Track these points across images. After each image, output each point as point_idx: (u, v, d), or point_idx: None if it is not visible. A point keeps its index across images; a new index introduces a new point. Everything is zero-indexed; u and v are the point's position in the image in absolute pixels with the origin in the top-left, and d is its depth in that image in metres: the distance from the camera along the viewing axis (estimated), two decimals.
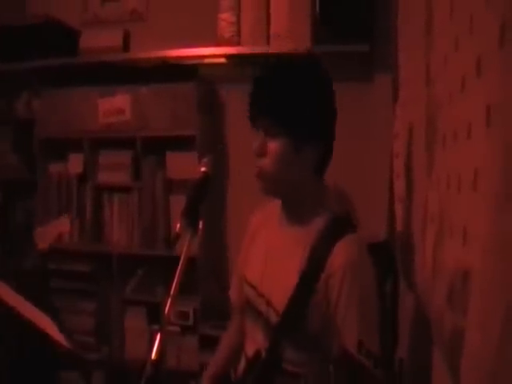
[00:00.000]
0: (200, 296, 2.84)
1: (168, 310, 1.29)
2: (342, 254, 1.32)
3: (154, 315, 3.00)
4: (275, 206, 1.52)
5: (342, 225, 1.40)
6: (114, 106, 2.99)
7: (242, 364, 1.50)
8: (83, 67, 3.10)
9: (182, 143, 2.88)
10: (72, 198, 3.13)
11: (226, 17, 2.83)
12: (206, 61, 2.97)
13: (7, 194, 3.32)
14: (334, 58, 2.60)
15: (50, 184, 3.19)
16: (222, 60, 2.94)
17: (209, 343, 2.80)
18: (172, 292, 1.29)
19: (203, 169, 1.41)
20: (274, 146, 1.37)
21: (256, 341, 1.45)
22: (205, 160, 1.43)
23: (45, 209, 3.17)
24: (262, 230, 1.57)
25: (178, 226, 1.33)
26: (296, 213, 1.44)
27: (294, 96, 1.35)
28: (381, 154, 2.52)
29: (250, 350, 1.46)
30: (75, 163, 3.15)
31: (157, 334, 1.27)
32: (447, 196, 1.01)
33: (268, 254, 1.48)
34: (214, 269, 2.94)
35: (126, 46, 3.11)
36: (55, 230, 2.28)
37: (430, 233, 1.17)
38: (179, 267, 1.31)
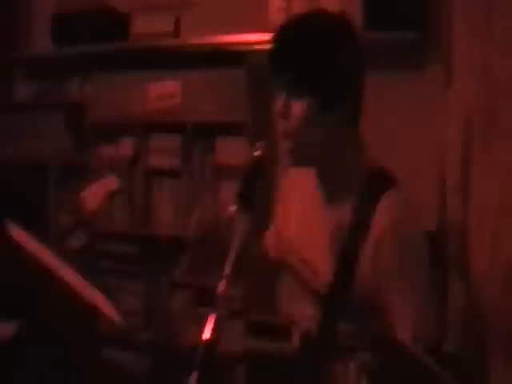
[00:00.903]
0: (247, 280, 2.86)
1: (221, 292, 1.30)
2: (386, 212, 1.27)
3: (201, 298, 3.04)
4: (306, 171, 1.45)
5: (382, 181, 1.33)
6: (165, 91, 3.02)
7: (296, 340, 1.49)
8: (134, 52, 3.14)
9: (231, 129, 2.90)
10: (122, 180, 3.17)
11: (276, 2, 2.82)
12: (256, 46, 2.97)
13: (59, 176, 3.39)
14: (384, 46, 2.60)
15: (102, 167, 3.25)
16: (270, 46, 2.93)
17: (255, 328, 2.83)
18: (225, 274, 1.30)
19: (257, 153, 1.37)
20: (297, 106, 1.30)
21: (304, 311, 1.44)
22: (259, 143, 1.41)
23: None
24: (295, 193, 1.52)
25: (232, 209, 1.33)
26: (332, 177, 1.39)
27: (319, 50, 1.27)
28: (433, 142, 2.49)
29: (303, 322, 1.45)
30: (126, 147, 3.20)
31: (210, 315, 1.28)
32: (508, 186, 1.00)
33: (305, 220, 1.45)
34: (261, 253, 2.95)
35: (176, 32, 3.14)
36: (103, 189, 2.22)
37: (489, 222, 1.15)
38: (232, 250, 1.32)
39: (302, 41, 1.28)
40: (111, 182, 2.25)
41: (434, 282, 1.31)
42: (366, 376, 1.15)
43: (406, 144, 2.67)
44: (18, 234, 1.86)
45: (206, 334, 1.25)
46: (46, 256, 1.88)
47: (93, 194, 2.22)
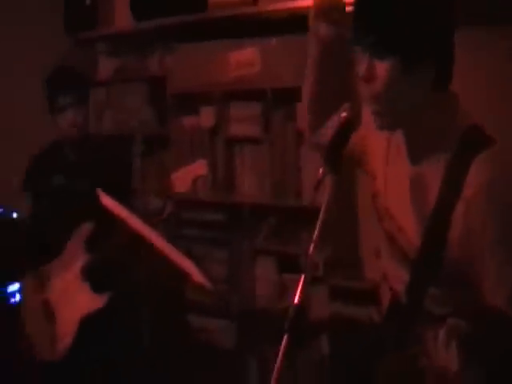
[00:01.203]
0: (330, 246, 2.85)
1: (311, 255, 1.30)
2: (480, 172, 1.22)
3: (285, 265, 3.06)
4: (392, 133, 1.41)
5: (477, 140, 1.28)
6: (244, 59, 3.02)
7: (385, 304, 1.48)
8: (213, 22, 3.14)
9: None
10: (204, 150, 3.22)
11: None
12: None
13: (143, 147, 3.48)
14: None
15: (183, 137, 3.30)
16: (351, 8, 2.86)
17: (339, 294, 2.82)
18: (315, 237, 1.30)
19: (344, 114, 1.36)
20: (382, 68, 1.25)
21: (397, 273, 1.42)
22: (346, 105, 1.38)
23: (178, 161, 3.29)
24: (379, 156, 1.48)
25: (321, 171, 1.32)
26: (421, 137, 1.34)
27: (400, 10, 1.22)
28: None
29: (393, 283, 1.44)
30: (207, 116, 3.22)
31: (296, 281, 1.28)
32: None
33: (395, 184, 1.41)
34: (344, 219, 2.92)
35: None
36: (192, 173, 2.30)
37: None
38: (322, 213, 1.30)
39: (381, 2, 1.25)
40: (200, 167, 2.32)
41: None
42: (456, 342, 1.11)
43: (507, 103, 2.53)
44: (109, 202, 1.92)
45: (296, 298, 1.25)
46: (137, 224, 1.95)
47: (182, 178, 2.29)
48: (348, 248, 2.82)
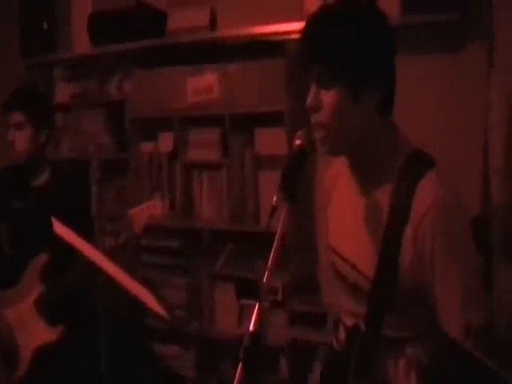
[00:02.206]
0: (289, 271, 2.85)
1: (265, 282, 1.29)
2: (426, 195, 1.24)
3: (243, 290, 3.05)
4: (343, 162, 1.43)
5: (420, 163, 1.30)
6: (203, 84, 3.03)
7: (342, 334, 1.48)
8: (172, 47, 3.15)
9: (270, 119, 2.88)
10: (163, 175, 3.21)
11: None
12: (293, 36, 2.95)
13: (101, 172, 3.44)
14: (423, 28, 2.55)
15: (142, 162, 3.28)
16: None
17: (298, 319, 2.82)
18: (269, 264, 1.29)
19: (298, 141, 1.35)
20: (328, 97, 1.27)
21: (349, 308, 1.42)
22: (300, 133, 1.38)
23: (137, 186, 3.28)
24: (334, 190, 1.51)
25: (275, 199, 1.31)
26: (367, 166, 1.36)
27: (345, 40, 1.25)
28: (474, 124, 2.43)
29: (346, 317, 1.45)
30: (165, 141, 3.22)
31: (254, 306, 1.28)
32: None
33: (344, 215, 1.43)
34: (303, 244, 2.94)
35: (212, 25, 3.14)
36: (147, 212, 2.30)
37: None
38: (276, 240, 1.30)
39: (326, 32, 1.26)
40: (155, 206, 2.31)
41: (479, 268, 1.27)
42: (415, 373, 1.12)
43: (448, 126, 2.62)
44: (62, 231, 1.89)
45: (251, 325, 1.24)
46: (91, 252, 1.91)
47: (138, 216, 2.29)
48: (307, 273, 2.83)
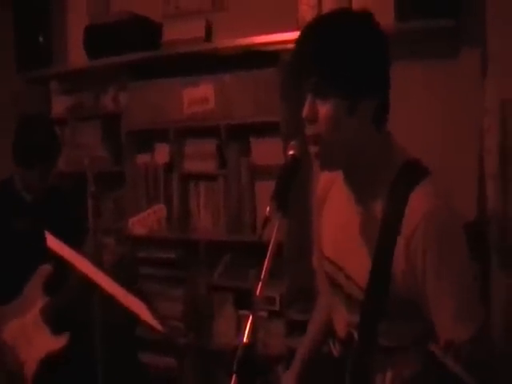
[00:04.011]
0: (286, 281, 2.84)
1: (259, 293, 1.28)
2: (419, 204, 1.23)
3: (241, 300, 3.04)
4: (338, 174, 1.43)
5: (413, 173, 1.29)
6: (198, 96, 3.03)
7: (336, 345, 1.47)
8: (167, 59, 3.16)
9: (266, 129, 2.89)
10: (159, 187, 3.21)
11: (306, 0, 2.80)
12: (289, 46, 2.95)
13: (97, 185, 3.43)
14: (418, 35, 2.55)
15: (138, 174, 3.28)
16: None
17: (295, 328, 2.80)
18: (263, 275, 1.28)
19: (291, 152, 1.35)
20: (324, 109, 1.27)
21: (343, 317, 1.42)
22: (293, 143, 1.37)
23: (133, 198, 3.27)
24: (328, 199, 1.51)
25: (268, 209, 1.30)
26: (361, 176, 1.35)
27: (340, 52, 1.24)
28: (469, 130, 2.44)
29: (339, 327, 1.43)
30: (162, 153, 3.23)
31: (248, 318, 1.27)
32: None
33: (339, 224, 1.43)
34: (300, 253, 2.93)
35: (208, 36, 3.15)
36: (153, 216, 2.30)
37: None
38: (269, 250, 1.29)
39: (322, 44, 1.26)
40: (160, 210, 2.32)
41: (474, 274, 1.26)
42: None
43: (443, 133, 2.62)
44: (55, 244, 1.88)
45: (245, 337, 1.23)
46: (84, 266, 1.90)
47: (141, 222, 2.29)
48: (304, 282, 2.82)
